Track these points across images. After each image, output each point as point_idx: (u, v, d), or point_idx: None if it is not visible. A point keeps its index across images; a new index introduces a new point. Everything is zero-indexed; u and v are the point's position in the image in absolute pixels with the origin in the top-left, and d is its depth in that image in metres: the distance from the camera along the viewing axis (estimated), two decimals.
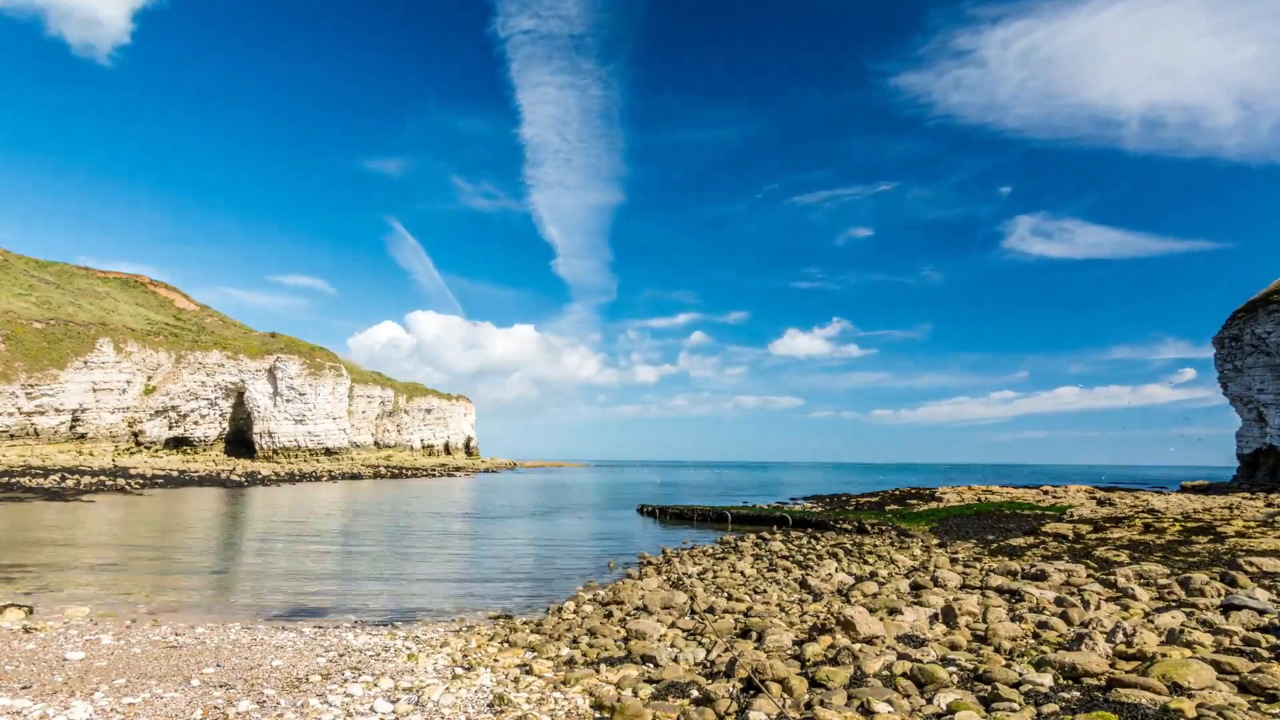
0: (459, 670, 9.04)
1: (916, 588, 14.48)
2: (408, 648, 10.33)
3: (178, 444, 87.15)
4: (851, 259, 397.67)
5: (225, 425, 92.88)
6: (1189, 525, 25.44)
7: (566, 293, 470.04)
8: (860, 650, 8.69)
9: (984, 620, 11.00)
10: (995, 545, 22.94)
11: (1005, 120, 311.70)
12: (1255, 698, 6.97)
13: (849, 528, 30.37)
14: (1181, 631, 9.58)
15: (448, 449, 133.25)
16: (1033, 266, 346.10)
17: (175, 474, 62.96)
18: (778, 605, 13.29)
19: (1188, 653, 8.34)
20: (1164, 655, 8.07)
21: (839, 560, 20.08)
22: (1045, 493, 50.99)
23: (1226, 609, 11.14)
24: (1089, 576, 15.08)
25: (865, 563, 19.57)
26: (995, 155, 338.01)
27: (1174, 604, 12.21)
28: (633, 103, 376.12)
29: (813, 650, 8.99)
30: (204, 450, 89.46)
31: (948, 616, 11.07)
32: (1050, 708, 6.74)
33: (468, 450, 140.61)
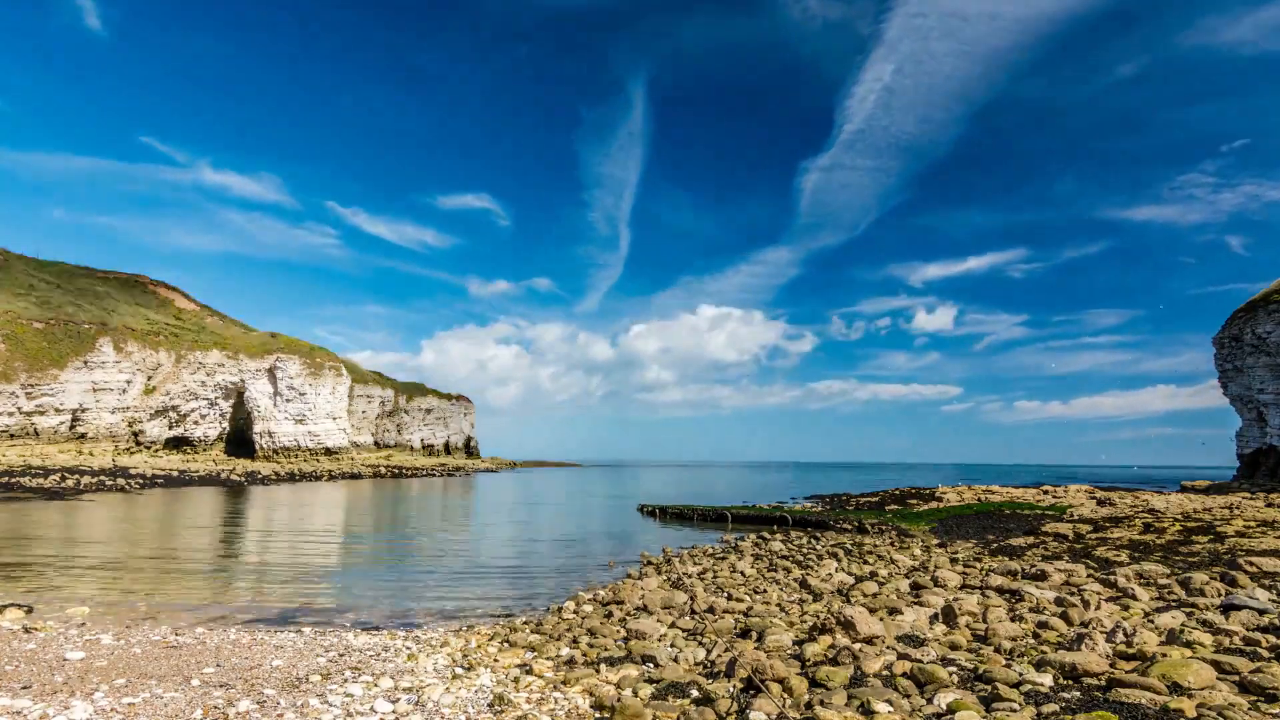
0: (459, 670, 9.04)
1: (916, 588, 14.47)
2: (408, 648, 10.32)
3: (178, 444, 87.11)
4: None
5: (225, 425, 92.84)
6: (1189, 525, 25.42)
7: (790, 222, 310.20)
8: (860, 650, 8.69)
9: (984, 620, 10.99)
10: (995, 545, 22.93)
11: None
12: (1255, 698, 6.97)
13: (849, 528, 30.36)
14: (1181, 631, 9.57)
15: (448, 449, 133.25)
16: None
17: (175, 474, 62.95)
18: (778, 605, 13.29)
19: (1188, 653, 8.33)
20: (1164, 655, 8.07)
21: (839, 560, 20.08)
22: (1045, 492, 50.98)
23: (1226, 609, 11.14)
24: (1089, 576, 15.08)
25: (865, 563, 19.56)
26: None
27: (1174, 604, 12.20)
28: None
29: (813, 650, 8.99)
30: (204, 450, 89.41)
31: (948, 616, 11.07)
32: (1050, 708, 6.73)
33: (468, 450, 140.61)
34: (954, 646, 9.55)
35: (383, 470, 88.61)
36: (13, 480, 47.23)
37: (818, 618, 10.95)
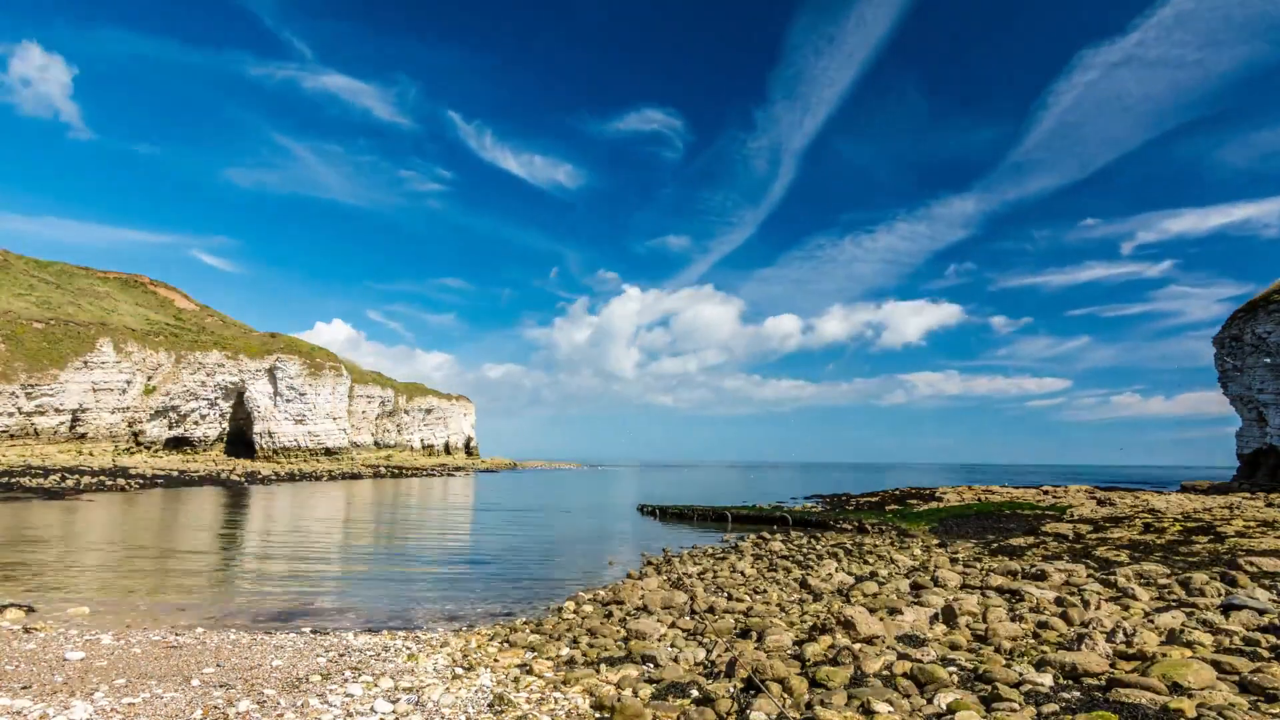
0: (459, 670, 9.03)
1: (917, 588, 14.47)
2: (408, 648, 10.32)
3: (178, 444, 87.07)
4: None
5: (225, 425, 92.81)
6: (1189, 525, 25.41)
7: (1004, 154, 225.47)
8: (860, 650, 8.68)
9: (984, 620, 10.99)
10: (995, 545, 22.93)
11: None
12: (1255, 698, 6.97)
13: (849, 528, 30.36)
14: (1182, 631, 9.57)
15: (448, 449, 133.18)
16: None
17: (175, 474, 62.93)
18: (778, 605, 13.28)
19: (1188, 653, 8.33)
20: (1164, 655, 8.07)
21: (839, 560, 20.07)
22: (1045, 493, 50.98)
23: (1226, 609, 11.13)
24: (1089, 576, 15.07)
25: (865, 563, 19.55)
26: None
27: (1174, 604, 12.20)
28: None
29: (813, 650, 8.99)
30: (204, 450, 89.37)
31: (948, 616, 11.06)
32: (1050, 708, 6.73)
33: (468, 450, 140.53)
34: (954, 646, 9.55)
35: (382, 470, 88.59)
36: (13, 480, 47.22)
37: (818, 618, 10.95)
